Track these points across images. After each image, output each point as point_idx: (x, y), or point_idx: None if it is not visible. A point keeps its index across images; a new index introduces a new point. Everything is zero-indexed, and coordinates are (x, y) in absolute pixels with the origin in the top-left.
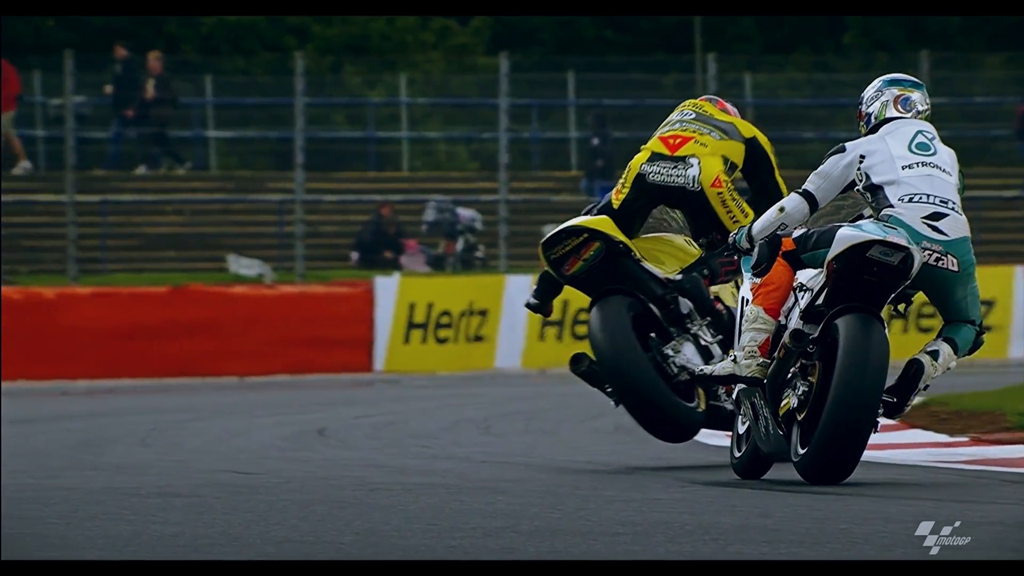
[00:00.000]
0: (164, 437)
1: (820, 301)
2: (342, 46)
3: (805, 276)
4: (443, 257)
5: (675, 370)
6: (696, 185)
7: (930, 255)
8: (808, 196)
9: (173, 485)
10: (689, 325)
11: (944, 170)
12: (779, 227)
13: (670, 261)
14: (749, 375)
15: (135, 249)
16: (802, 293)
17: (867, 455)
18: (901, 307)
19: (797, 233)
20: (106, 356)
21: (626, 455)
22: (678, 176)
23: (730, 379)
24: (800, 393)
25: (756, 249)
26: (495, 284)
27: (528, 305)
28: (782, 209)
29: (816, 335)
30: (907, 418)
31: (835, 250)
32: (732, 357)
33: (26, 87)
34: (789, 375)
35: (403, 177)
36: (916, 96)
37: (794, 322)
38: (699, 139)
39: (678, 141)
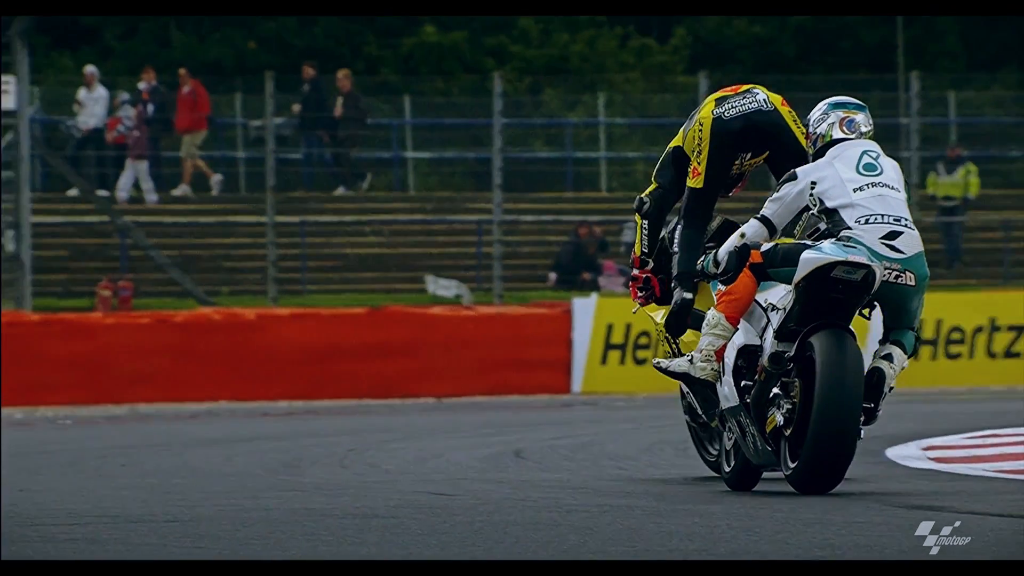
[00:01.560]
0: (362, 458)
1: (792, 320)
2: (541, 67)
3: (775, 296)
4: None
5: None
6: (769, 105)
7: (890, 273)
8: (766, 221)
9: (370, 506)
10: None
11: (893, 188)
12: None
13: None
14: (702, 376)
15: (334, 270)
16: (774, 312)
17: None
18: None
19: (766, 247)
20: (306, 377)
21: None
22: (750, 102)
23: (684, 377)
24: (784, 411)
25: (725, 258)
26: None
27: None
28: (743, 235)
29: (792, 353)
30: None
31: (800, 273)
32: (689, 357)
33: (228, 109)
34: (772, 395)
35: (601, 198)
36: (860, 118)
37: (769, 343)
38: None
39: (734, 87)
